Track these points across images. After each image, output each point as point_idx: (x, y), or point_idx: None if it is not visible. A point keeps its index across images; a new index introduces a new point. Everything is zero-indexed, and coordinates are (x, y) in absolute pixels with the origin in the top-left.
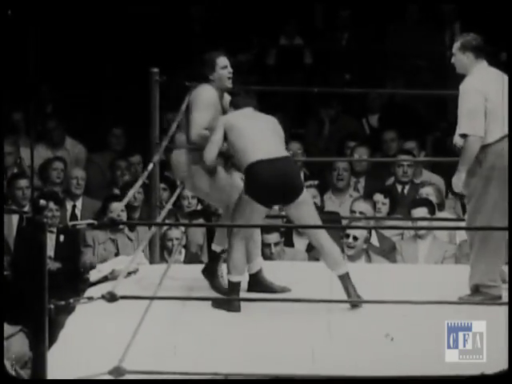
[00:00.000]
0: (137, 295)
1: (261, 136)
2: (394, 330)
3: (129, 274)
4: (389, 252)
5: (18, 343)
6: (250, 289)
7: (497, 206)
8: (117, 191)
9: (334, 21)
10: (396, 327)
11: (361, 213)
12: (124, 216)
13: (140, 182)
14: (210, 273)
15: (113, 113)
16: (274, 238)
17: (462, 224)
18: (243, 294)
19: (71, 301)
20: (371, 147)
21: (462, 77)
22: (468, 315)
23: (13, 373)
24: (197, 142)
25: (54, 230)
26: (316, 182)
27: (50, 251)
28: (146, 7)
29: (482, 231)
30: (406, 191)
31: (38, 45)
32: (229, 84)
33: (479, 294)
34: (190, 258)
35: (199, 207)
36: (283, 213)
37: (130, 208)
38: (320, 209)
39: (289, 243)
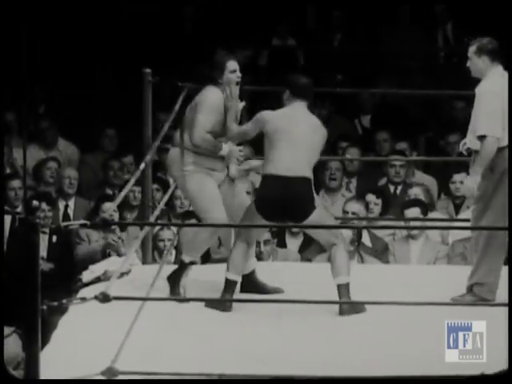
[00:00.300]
0: (130, 296)
1: (290, 149)
2: (393, 330)
3: (121, 274)
4: (381, 252)
5: (11, 344)
6: (243, 289)
7: (504, 209)
8: (109, 191)
9: (326, 22)
10: (392, 328)
11: (353, 213)
12: (116, 216)
13: (132, 182)
14: (173, 280)
15: (105, 113)
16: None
17: (455, 224)
18: (236, 295)
19: (64, 301)
20: (363, 148)
21: (453, 78)
22: (468, 315)
23: None
24: (198, 144)
25: (47, 230)
26: None
27: (43, 252)
28: (138, 8)
29: (486, 231)
30: (398, 192)
31: (31, 45)
32: (236, 89)
33: (472, 294)
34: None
35: (191, 208)
36: None
37: (127, 207)
38: None
39: (281, 244)
